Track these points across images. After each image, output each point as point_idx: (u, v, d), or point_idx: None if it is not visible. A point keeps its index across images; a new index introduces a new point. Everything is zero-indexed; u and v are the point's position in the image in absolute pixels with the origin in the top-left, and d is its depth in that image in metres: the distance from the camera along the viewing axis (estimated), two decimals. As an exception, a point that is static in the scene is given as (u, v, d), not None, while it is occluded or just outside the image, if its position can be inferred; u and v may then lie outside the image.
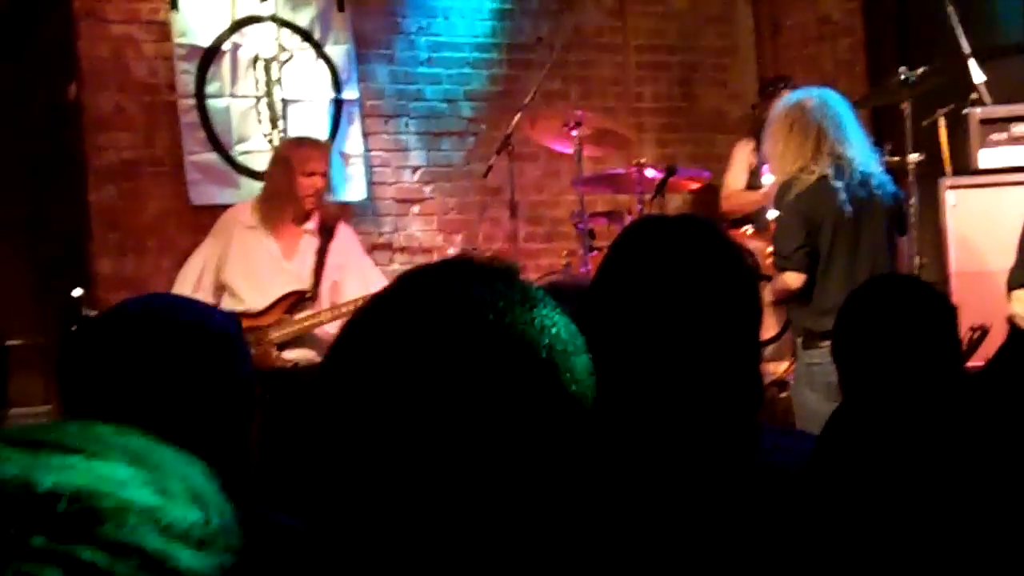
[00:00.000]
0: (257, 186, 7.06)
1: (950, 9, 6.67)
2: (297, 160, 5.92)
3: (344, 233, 6.12)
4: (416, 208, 7.99)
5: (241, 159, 7.35)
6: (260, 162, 7.30)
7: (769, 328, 6.21)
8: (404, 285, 1.27)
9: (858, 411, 2.87)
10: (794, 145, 5.37)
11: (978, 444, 2.70)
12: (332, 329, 5.79)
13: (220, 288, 5.88)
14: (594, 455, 1.24)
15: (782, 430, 2.30)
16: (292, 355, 5.77)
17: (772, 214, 6.11)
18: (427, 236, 8.00)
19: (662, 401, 1.93)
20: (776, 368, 6.35)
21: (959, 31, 6.61)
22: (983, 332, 5.06)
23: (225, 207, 6.48)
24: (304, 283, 5.86)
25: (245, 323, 5.70)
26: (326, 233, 5.97)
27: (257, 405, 2.00)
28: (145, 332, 1.89)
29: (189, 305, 2.08)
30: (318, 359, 5.77)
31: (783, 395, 5.81)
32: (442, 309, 1.20)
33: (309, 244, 5.95)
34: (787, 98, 5.72)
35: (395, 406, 1.17)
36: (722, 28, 9.14)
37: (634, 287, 1.99)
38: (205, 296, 5.81)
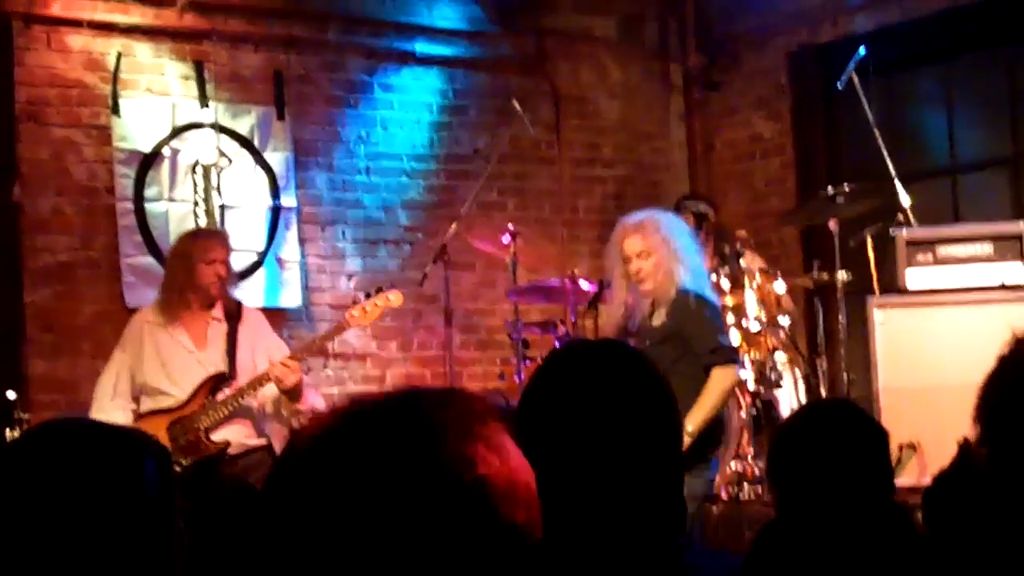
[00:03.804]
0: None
1: (877, 132, 6.84)
2: (198, 250, 5.92)
3: (251, 314, 6.14)
4: (351, 314, 8.02)
5: (178, 263, 7.36)
6: (196, 266, 7.36)
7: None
8: (344, 427, 1.31)
9: (786, 532, 2.93)
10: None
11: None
12: (254, 401, 5.83)
13: (138, 392, 5.86)
14: None
15: (706, 550, 2.34)
16: (221, 435, 5.74)
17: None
18: (362, 342, 8.02)
19: (583, 527, 1.95)
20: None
21: (886, 153, 6.78)
22: (912, 449, 5.16)
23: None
24: (220, 367, 5.87)
25: (171, 416, 5.70)
26: (232, 319, 5.97)
27: (177, 516, 1.99)
28: (41, 464, 1.90)
29: (90, 429, 2.06)
30: (247, 438, 5.83)
31: (715, 509, 5.85)
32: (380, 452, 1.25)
33: (218, 331, 5.94)
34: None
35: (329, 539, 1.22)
36: (656, 144, 9.32)
37: (556, 414, 2.01)
38: (124, 402, 5.83)
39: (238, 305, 6.09)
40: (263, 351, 5.92)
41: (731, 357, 5.54)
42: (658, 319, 5.66)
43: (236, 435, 5.78)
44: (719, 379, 5.45)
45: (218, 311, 5.94)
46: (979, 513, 2.59)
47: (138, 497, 1.92)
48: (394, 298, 6.04)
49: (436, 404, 1.29)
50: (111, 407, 5.76)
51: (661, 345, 5.41)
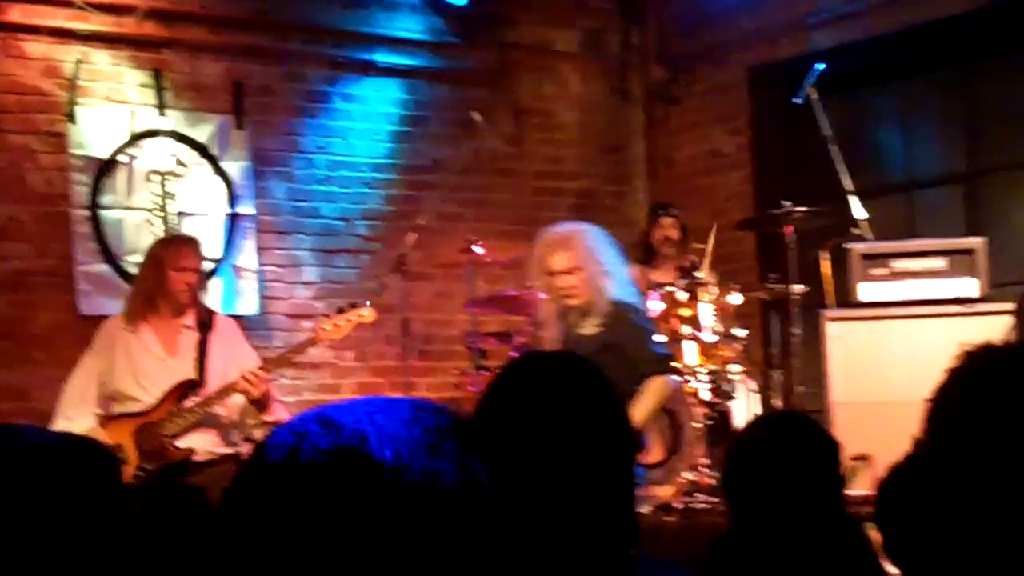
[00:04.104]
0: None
1: (833, 147, 6.89)
2: (168, 256, 5.93)
3: (224, 323, 6.13)
4: (308, 323, 7.97)
5: (133, 271, 7.29)
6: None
7: (655, 453, 6.27)
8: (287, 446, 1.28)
9: (740, 543, 2.95)
10: None
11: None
12: (222, 410, 5.82)
13: (109, 398, 5.83)
14: None
15: (659, 560, 2.34)
16: (188, 442, 5.73)
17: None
18: (318, 352, 7.95)
19: (536, 537, 1.96)
20: (662, 492, 6.39)
21: (842, 169, 6.82)
22: (864, 460, 5.18)
23: (115, 318, 6.43)
24: (190, 375, 5.84)
25: (138, 421, 5.69)
26: (204, 327, 5.96)
27: (125, 521, 1.97)
28: None
29: (19, 432, 2.04)
30: (214, 446, 5.83)
31: (669, 519, 5.85)
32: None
33: (190, 339, 5.93)
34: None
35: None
36: (617, 157, 9.35)
37: (511, 424, 2.02)
38: (90, 408, 5.79)
39: (211, 314, 6.08)
40: (235, 361, 5.92)
41: (668, 367, 5.61)
42: (588, 329, 5.68)
43: (203, 443, 5.78)
44: (658, 386, 5.51)
45: (190, 319, 5.94)
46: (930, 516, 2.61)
47: (64, 508, 1.89)
48: (367, 314, 6.05)
49: (405, 419, 1.28)
50: (77, 412, 5.74)
51: (598, 355, 5.40)
